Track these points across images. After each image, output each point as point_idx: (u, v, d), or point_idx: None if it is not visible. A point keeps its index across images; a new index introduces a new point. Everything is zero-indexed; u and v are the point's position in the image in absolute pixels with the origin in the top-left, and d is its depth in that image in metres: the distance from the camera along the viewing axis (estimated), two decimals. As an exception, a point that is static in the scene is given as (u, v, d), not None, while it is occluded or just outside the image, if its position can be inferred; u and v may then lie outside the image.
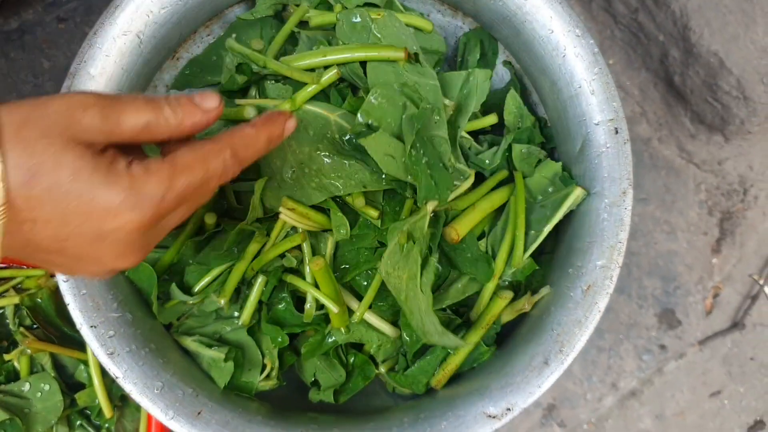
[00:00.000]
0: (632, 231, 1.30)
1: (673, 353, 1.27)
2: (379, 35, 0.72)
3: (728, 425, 1.30)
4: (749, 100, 1.24)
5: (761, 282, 1.34)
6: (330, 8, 0.78)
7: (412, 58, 0.72)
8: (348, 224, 0.71)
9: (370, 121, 0.68)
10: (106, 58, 0.73)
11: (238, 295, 0.77)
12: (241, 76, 0.77)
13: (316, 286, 0.72)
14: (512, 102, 0.80)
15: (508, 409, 0.67)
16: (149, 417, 0.85)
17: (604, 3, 1.33)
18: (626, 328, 1.27)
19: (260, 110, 0.72)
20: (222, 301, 0.74)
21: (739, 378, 1.32)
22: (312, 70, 0.73)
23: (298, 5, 0.80)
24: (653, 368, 1.26)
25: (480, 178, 0.79)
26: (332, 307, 0.71)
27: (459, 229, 0.71)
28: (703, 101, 1.29)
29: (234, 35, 0.81)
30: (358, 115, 0.69)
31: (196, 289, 0.74)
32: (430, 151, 0.68)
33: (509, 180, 0.78)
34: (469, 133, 0.80)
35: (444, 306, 0.72)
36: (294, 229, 0.73)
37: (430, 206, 0.70)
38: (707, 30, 1.22)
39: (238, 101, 0.75)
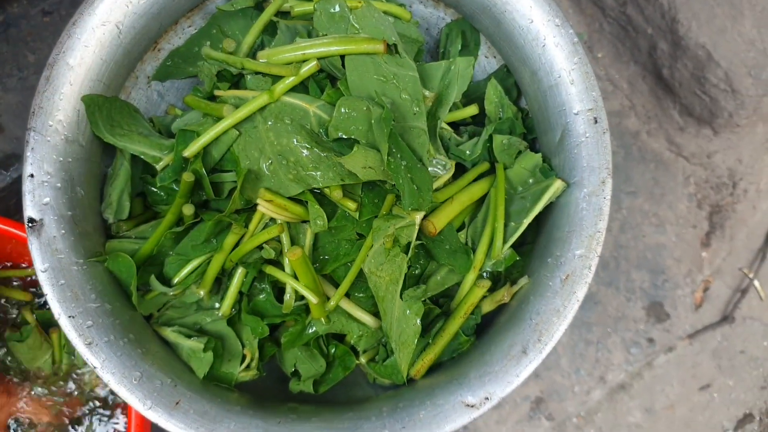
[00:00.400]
0: (621, 224, 1.30)
1: (662, 346, 1.27)
2: (357, 26, 0.71)
3: (718, 418, 1.30)
4: (737, 93, 1.24)
5: (751, 275, 1.34)
6: (308, -1, 0.79)
7: (392, 50, 0.72)
8: (325, 216, 0.71)
9: (341, 134, 0.69)
10: (85, 48, 0.73)
11: (219, 287, 0.77)
12: (223, 84, 0.77)
13: (295, 277, 0.72)
14: (493, 91, 0.80)
15: (487, 398, 0.67)
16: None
17: (592, -4, 1.33)
18: (614, 321, 1.27)
19: (238, 105, 0.72)
20: (202, 293, 0.75)
21: (728, 371, 1.32)
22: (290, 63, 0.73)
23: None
24: (642, 362, 1.26)
25: (461, 170, 0.79)
26: (311, 298, 0.71)
27: (436, 223, 0.71)
28: (692, 94, 1.29)
29: (214, 30, 0.82)
30: (330, 129, 0.69)
31: (176, 280, 0.74)
32: (406, 153, 0.68)
33: (490, 172, 0.78)
34: (449, 124, 0.80)
35: (424, 298, 0.72)
36: (273, 220, 0.73)
37: (418, 217, 0.70)
38: (695, 23, 1.22)
39: (217, 93, 0.75)
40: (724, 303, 1.35)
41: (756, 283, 1.34)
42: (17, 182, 1.03)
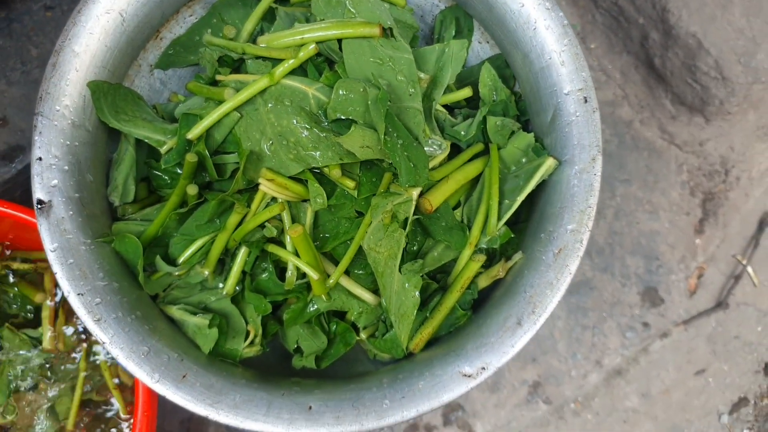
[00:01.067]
0: (615, 211, 1.32)
1: (656, 330, 1.29)
2: (353, 11, 0.74)
3: (713, 402, 1.32)
4: (727, 81, 1.26)
5: (744, 262, 1.36)
6: (307, -14, 0.81)
7: (387, 34, 0.75)
8: (325, 194, 0.73)
9: (339, 115, 0.71)
10: (90, 35, 0.75)
11: (222, 267, 0.79)
12: (224, 69, 0.79)
13: (297, 254, 0.74)
14: (487, 74, 0.82)
15: (483, 368, 0.69)
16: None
17: (584, -13, 1.35)
18: (609, 306, 1.29)
19: (239, 89, 0.75)
20: (206, 272, 0.77)
21: (723, 356, 1.34)
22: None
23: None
24: (637, 346, 1.28)
25: (456, 150, 0.81)
26: (312, 274, 0.73)
27: (432, 200, 0.73)
28: (683, 82, 1.31)
29: (214, 18, 0.84)
30: (328, 110, 0.72)
31: (181, 260, 0.76)
32: (402, 132, 0.70)
33: (484, 152, 0.81)
34: (444, 107, 0.82)
35: (422, 272, 0.74)
36: (274, 199, 0.75)
37: (415, 193, 0.73)
38: (685, 11, 1.24)
39: (218, 77, 0.78)
40: (718, 289, 1.37)
41: (749, 269, 1.36)
42: (22, 173, 1.05)
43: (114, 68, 0.79)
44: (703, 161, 1.39)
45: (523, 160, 0.78)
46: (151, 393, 0.78)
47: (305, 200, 0.75)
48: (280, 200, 0.74)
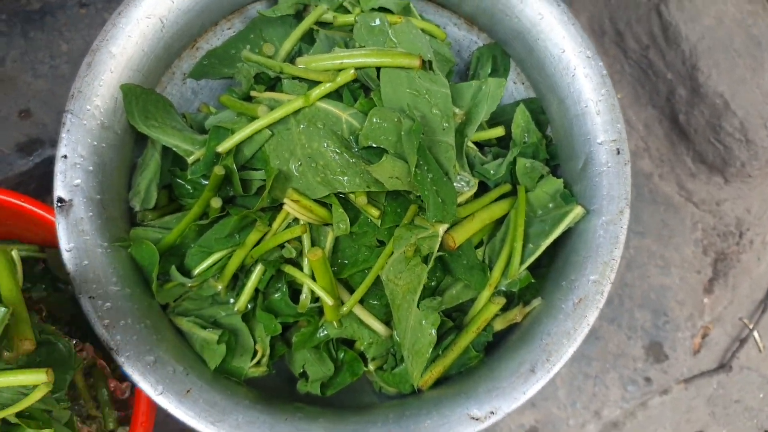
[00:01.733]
0: (627, 262, 1.32)
1: (658, 386, 1.28)
2: (395, 40, 0.74)
3: (708, 465, 1.31)
4: (751, 144, 1.26)
5: (751, 326, 1.35)
6: (347, 12, 0.81)
7: (426, 66, 0.74)
8: (348, 220, 0.72)
9: (371, 143, 0.70)
10: (128, 38, 0.75)
11: (236, 282, 0.78)
12: (259, 86, 0.79)
13: (313, 278, 0.73)
14: (521, 116, 0.81)
15: (492, 413, 0.68)
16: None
17: (616, 37, 1.35)
18: (614, 357, 1.28)
19: (272, 107, 0.74)
20: (220, 286, 0.76)
21: (722, 419, 1.32)
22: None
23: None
24: (637, 399, 1.27)
25: (483, 188, 0.81)
26: (326, 299, 0.72)
27: (456, 237, 0.72)
28: (706, 141, 1.31)
29: (252, 34, 0.84)
30: (360, 137, 0.71)
31: (196, 272, 0.75)
32: (433, 166, 0.69)
33: (512, 193, 0.80)
34: (474, 144, 0.82)
35: (440, 309, 0.73)
36: (296, 221, 0.74)
37: (441, 229, 0.72)
38: (715, 71, 1.24)
39: (253, 93, 0.77)
40: (723, 351, 1.36)
41: (756, 334, 1.35)
42: (39, 167, 1.05)
43: (148, 73, 0.78)
44: (719, 221, 1.38)
45: (551, 205, 0.78)
46: (150, 405, 0.76)
47: (327, 224, 0.74)
48: (302, 222, 0.74)
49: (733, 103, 1.24)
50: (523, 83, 0.88)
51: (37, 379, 0.57)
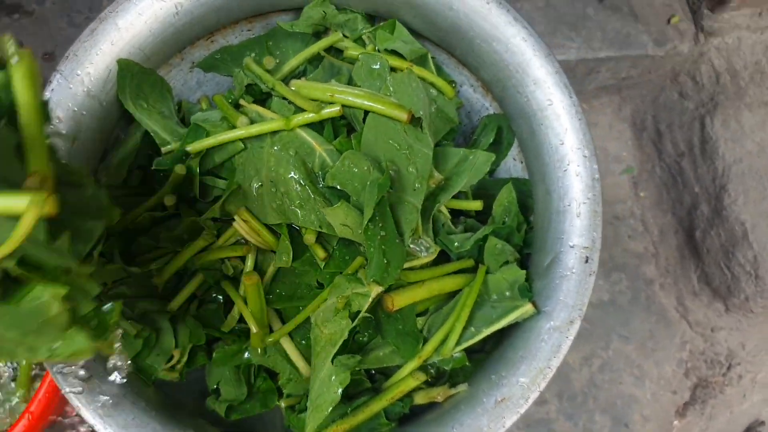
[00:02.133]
0: (602, 363, 1.27)
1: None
2: (392, 88, 0.72)
3: None
4: (760, 280, 1.21)
5: (718, 461, 1.30)
6: (364, 45, 0.79)
7: (416, 123, 0.72)
8: (291, 254, 0.71)
9: (336, 185, 0.68)
10: (138, 16, 0.74)
11: (178, 282, 0.77)
12: (248, 97, 0.78)
13: (245, 301, 0.71)
14: (506, 195, 0.79)
15: (377, 491, 0.65)
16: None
17: (655, 136, 1.32)
18: (560, 455, 1.23)
19: (255, 121, 0.73)
20: (157, 283, 0.75)
21: None
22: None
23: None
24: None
25: (444, 257, 0.78)
26: (252, 326, 0.71)
27: (396, 301, 0.70)
28: (716, 264, 1.26)
29: (270, 41, 0.83)
30: (328, 176, 0.69)
31: (139, 260, 0.74)
32: (389, 225, 0.67)
33: (472, 270, 0.77)
34: (451, 211, 0.79)
35: (356, 369, 0.70)
36: (244, 240, 0.73)
37: (376, 290, 0.69)
38: (742, 198, 1.20)
39: (241, 102, 0.76)
40: (681, 479, 1.31)
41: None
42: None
43: (152, 54, 0.78)
44: (709, 347, 1.33)
45: (507, 293, 0.75)
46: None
47: (273, 251, 0.73)
48: (249, 243, 0.72)
49: (752, 235, 1.20)
50: (521, 162, 0.85)
51: (18, 203, 0.38)
